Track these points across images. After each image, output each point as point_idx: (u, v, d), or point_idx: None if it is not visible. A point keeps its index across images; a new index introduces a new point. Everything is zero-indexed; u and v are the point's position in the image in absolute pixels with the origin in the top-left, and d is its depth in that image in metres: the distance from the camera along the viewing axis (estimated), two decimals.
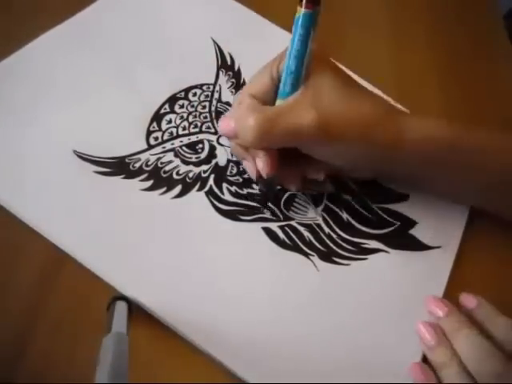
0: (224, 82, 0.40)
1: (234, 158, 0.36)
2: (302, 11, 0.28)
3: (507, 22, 0.55)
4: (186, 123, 0.37)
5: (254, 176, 0.33)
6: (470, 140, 0.32)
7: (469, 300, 0.32)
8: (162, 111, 0.37)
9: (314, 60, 0.30)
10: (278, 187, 0.35)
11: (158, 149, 0.35)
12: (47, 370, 0.27)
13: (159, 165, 0.35)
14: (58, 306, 0.29)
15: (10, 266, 0.29)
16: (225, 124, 0.31)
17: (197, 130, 0.37)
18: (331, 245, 0.34)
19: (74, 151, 0.33)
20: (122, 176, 0.33)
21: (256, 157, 0.31)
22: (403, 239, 0.35)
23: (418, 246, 0.35)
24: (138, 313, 0.28)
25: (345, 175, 0.36)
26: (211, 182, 0.35)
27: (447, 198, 0.37)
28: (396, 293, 0.33)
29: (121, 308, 0.27)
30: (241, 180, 0.35)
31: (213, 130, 0.37)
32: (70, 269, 0.30)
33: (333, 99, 0.30)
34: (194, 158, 0.35)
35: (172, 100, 0.38)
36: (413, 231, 0.36)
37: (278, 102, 0.31)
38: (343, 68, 0.33)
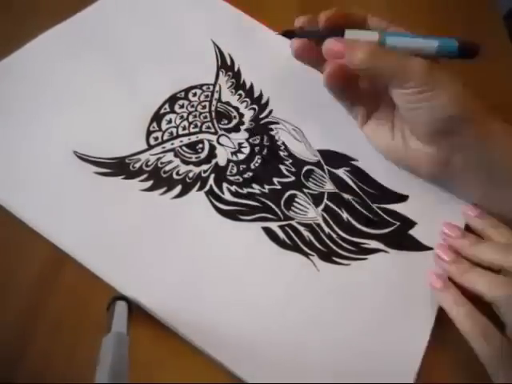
0: (224, 82, 0.40)
1: (234, 158, 0.36)
2: None
3: (507, 22, 0.55)
4: (185, 123, 0.37)
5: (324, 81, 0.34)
6: None
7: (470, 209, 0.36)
8: (162, 111, 0.37)
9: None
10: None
11: (158, 149, 0.35)
12: (47, 370, 0.27)
13: (159, 165, 0.35)
14: (58, 306, 0.29)
15: (10, 266, 0.29)
16: (334, 43, 0.32)
17: (197, 129, 0.37)
18: (331, 245, 0.34)
19: (74, 152, 0.33)
20: (122, 176, 0.33)
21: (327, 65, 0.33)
22: (403, 239, 0.35)
23: (417, 246, 0.35)
24: (137, 313, 0.29)
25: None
26: (211, 181, 0.35)
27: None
28: (395, 293, 0.33)
29: (121, 308, 0.27)
30: (241, 180, 0.35)
31: (213, 130, 0.37)
32: (70, 269, 0.30)
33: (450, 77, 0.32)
34: (193, 158, 0.35)
35: (172, 100, 0.38)
36: (412, 231, 0.36)
37: None
38: None
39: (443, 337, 0.32)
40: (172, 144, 0.36)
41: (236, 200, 0.34)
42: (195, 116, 0.38)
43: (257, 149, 0.37)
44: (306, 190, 0.36)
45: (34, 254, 0.30)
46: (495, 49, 0.51)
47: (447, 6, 0.54)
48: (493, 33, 0.53)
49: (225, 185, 0.35)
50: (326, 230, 0.34)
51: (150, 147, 0.35)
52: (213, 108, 0.38)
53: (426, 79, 0.31)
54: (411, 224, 0.36)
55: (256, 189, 0.35)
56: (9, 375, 0.26)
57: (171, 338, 0.29)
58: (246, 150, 0.37)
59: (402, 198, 0.37)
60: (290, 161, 0.37)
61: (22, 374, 0.26)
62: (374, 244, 0.34)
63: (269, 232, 0.33)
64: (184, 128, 0.37)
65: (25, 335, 0.27)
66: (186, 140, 0.36)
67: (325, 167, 0.37)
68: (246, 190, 0.35)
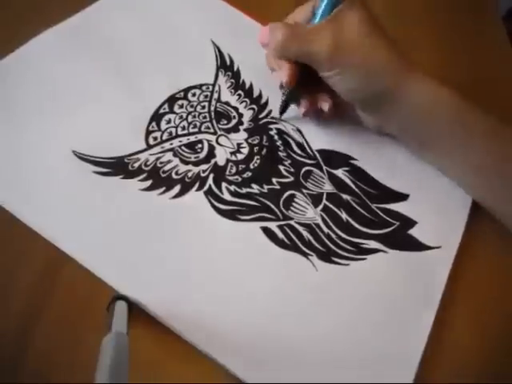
0: (223, 82, 0.40)
1: (233, 158, 0.36)
2: None
3: (507, 22, 0.55)
4: (185, 123, 0.37)
5: (278, 83, 0.37)
6: (477, 118, 0.34)
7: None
8: (162, 111, 0.37)
9: None
10: (294, 105, 0.38)
11: (157, 149, 0.35)
12: (47, 370, 0.27)
13: (158, 164, 0.35)
14: (58, 306, 0.29)
15: (11, 267, 0.29)
16: (262, 31, 0.36)
17: (196, 129, 0.37)
18: (330, 245, 0.34)
19: (74, 151, 0.34)
20: (121, 176, 0.33)
21: (282, 67, 0.36)
22: (402, 239, 0.35)
23: (417, 245, 0.35)
24: (137, 313, 0.29)
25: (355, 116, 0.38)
26: (210, 181, 0.35)
27: (447, 174, 0.38)
28: (395, 293, 0.33)
29: (121, 308, 0.27)
30: (240, 179, 0.35)
31: (212, 130, 0.37)
32: (70, 269, 0.30)
33: (351, 35, 0.33)
34: (193, 158, 0.36)
35: (171, 100, 0.38)
36: (412, 231, 0.36)
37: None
38: None
39: (443, 337, 0.32)
40: (171, 144, 0.36)
41: (235, 200, 0.34)
42: (194, 116, 0.38)
43: (256, 149, 0.37)
44: (304, 191, 0.36)
45: (34, 254, 0.30)
46: (495, 49, 0.51)
47: (446, 6, 0.54)
48: (493, 33, 0.53)
49: (224, 184, 0.35)
50: (325, 230, 0.34)
51: (149, 147, 0.35)
52: (212, 108, 0.38)
53: (331, 66, 0.33)
54: (411, 223, 0.36)
55: (255, 188, 0.35)
56: (9, 375, 0.26)
57: (171, 338, 0.29)
58: (245, 150, 0.37)
59: (403, 197, 0.37)
60: (289, 161, 0.37)
61: (22, 373, 0.26)
62: (373, 244, 0.35)
63: (268, 232, 0.33)
64: (183, 128, 0.37)
65: (25, 335, 0.27)
66: (185, 140, 0.36)
67: (324, 168, 0.37)
68: (245, 190, 0.35)
